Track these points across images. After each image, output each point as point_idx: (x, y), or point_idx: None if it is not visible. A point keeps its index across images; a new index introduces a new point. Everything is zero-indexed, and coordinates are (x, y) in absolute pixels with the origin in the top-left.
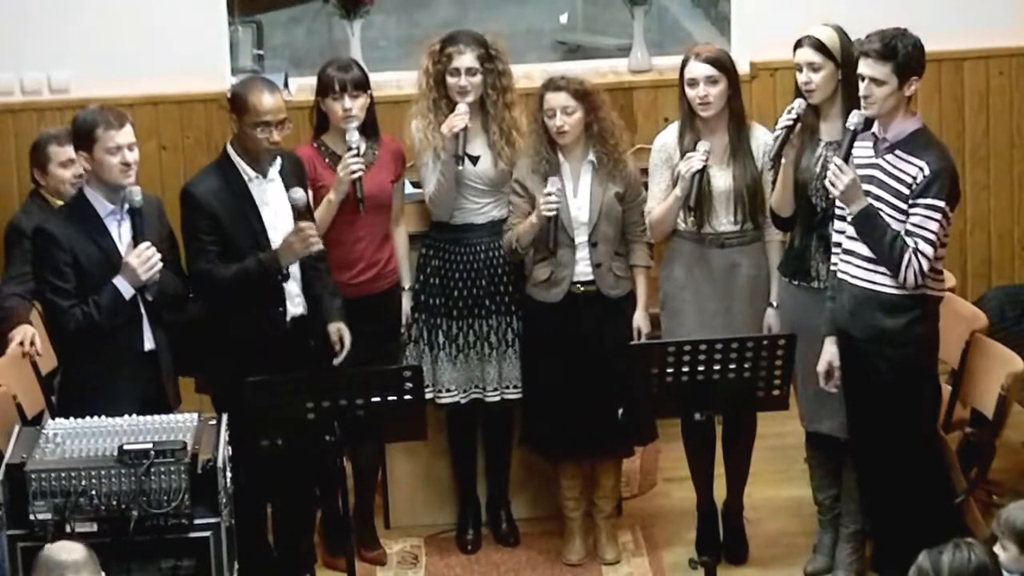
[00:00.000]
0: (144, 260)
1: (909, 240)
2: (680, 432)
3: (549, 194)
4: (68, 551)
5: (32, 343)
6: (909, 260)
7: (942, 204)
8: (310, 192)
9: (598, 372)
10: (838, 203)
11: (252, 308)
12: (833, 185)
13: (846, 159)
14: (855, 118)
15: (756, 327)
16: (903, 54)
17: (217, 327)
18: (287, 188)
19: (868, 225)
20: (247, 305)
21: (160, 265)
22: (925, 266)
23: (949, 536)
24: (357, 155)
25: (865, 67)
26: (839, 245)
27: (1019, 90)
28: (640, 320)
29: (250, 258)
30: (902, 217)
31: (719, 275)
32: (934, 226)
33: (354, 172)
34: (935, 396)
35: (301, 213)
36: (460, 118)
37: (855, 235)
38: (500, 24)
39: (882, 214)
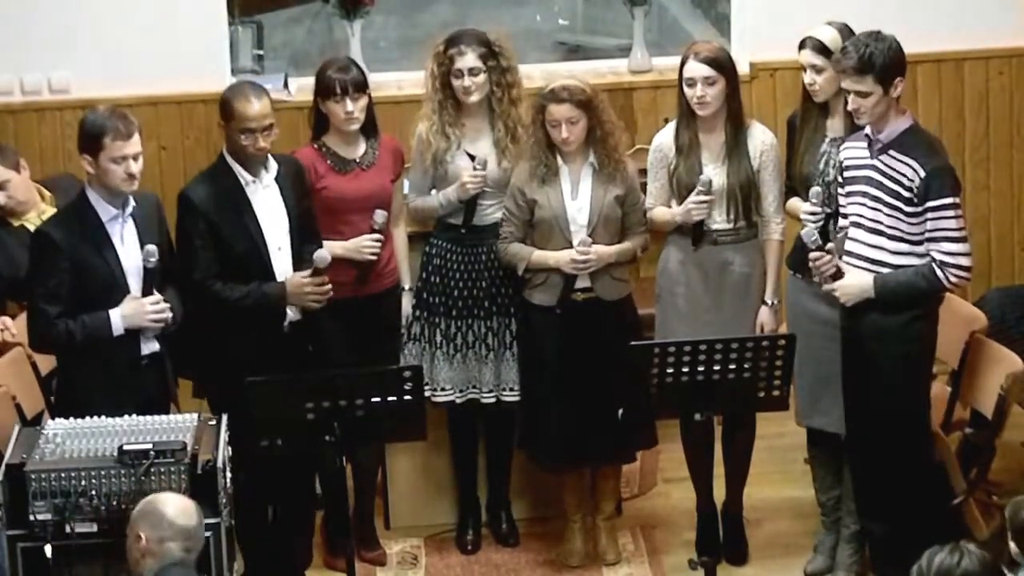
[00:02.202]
0: (156, 311)
1: (933, 250)
2: (680, 433)
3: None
4: (187, 515)
5: (4, 327)
6: (943, 271)
7: (948, 200)
8: (310, 198)
9: (597, 379)
10: (841, 200)
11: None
12: (844, 301)
13: (834, 277)
14: (808, 238)
15: (748, 324)
16: (881, 62)
17: (213, 330)
18: (283, 195)
19: (891, 288)
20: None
21: (170, 315)
22: (963, 261)
23: (948, 536)
24: (380, 235)
25: (847, 83)
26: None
27: (1019, 90)
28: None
29: (254, 285)
30: (900, 216)
31: (711, 272)
32: (951, 223)
33: (374, 254)
34: (927, 394)
35: (320, 271)
36: (476, 184)
37: (854, 236)
38: (500, 25)
39: (885, 255)
